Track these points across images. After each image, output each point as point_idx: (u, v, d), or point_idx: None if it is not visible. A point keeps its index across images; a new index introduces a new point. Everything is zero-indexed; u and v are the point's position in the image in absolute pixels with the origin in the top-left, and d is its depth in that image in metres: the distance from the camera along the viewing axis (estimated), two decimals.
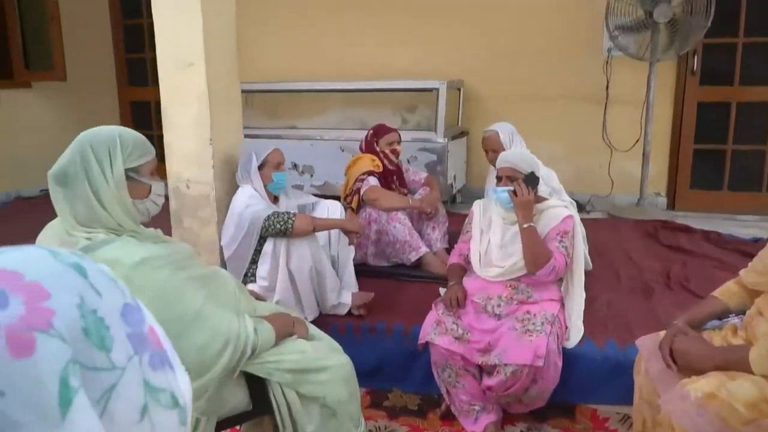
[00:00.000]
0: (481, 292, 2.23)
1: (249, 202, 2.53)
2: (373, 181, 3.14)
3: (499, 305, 2.19)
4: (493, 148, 3.03)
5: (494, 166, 2.62)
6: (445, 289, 2.51)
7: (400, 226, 3.11)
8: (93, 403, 0.41)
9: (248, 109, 4.87)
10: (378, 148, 3.26)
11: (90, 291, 0.43)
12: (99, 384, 0.42)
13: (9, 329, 0.38)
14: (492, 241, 2.29)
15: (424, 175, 3.43)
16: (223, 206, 2.68)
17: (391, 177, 3.27)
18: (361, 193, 3.12)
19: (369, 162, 3.21)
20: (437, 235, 3.27)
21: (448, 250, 3.16)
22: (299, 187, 4.40)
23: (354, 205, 3.16)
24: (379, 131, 3.31)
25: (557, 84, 4.77)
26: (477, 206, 2.44)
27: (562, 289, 2.30)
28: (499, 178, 2.27)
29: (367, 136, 3.31)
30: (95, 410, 0.41)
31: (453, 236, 3.13)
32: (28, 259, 0.42)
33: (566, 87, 4.76)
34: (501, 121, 3.17)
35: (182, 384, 0.51)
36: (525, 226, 2.16)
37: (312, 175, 4.66)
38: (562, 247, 2.18)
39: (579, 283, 2.31)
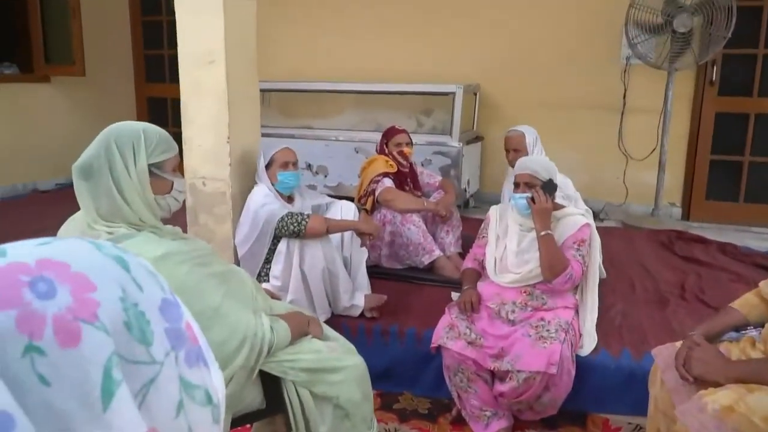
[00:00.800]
0: (495, 298, 2.22)
1: (264, 201, 2.54)
2: (388, 182, 3.14)
3: (513, 311, 2.18)
4: (516, 147, 3.02)
5: (513, 167, 2.61)
6: (458, 294, 2.50)
7: (415, 228, 3.10)
8: (132, 395, 0.41)
9: (265, 107, 4.90)
10: (387, 150, 3.26)
11: (132, 284, 0.43)
12: (139, 377, 0.42)
13: (56, 318, 0.38)
14: (508, 247, 2.28)
15: (438, 178, 3.42)
16: (239, 204, 2.69)
17: (405, 179, 3.27)
18: (377, 194, 3.12)
19: (383, 163, 3.21)
20: (451, 239, 3.26)
21: (462, 255, 3.15)
22: (312, 188, 4.41)
23: (368, 206, 3.16)
24: (388, 132, 3.31)
25: (574, 91, 4.75)
26: (494, 212, 2.44)
27: (576, 296, 2.29)
28: (516, 185, 2.26)
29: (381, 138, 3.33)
30: (134, 403, 0.42)
31: (466, 240, 3.12)
32: (74, 250, 0.43)
33: (583, 94, 4.74)
34: (516, 125, 3.16)
35: (216, 381, 0.51)
36: (542, 233, 2.16)
37: (326, 176, 4.67)
38: (579, 255, 2.18)
39: (593, 290, 2.30)
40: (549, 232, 2.16)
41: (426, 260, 3.11)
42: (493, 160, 4.90)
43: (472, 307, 2.20)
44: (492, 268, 2.29)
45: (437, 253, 3.11)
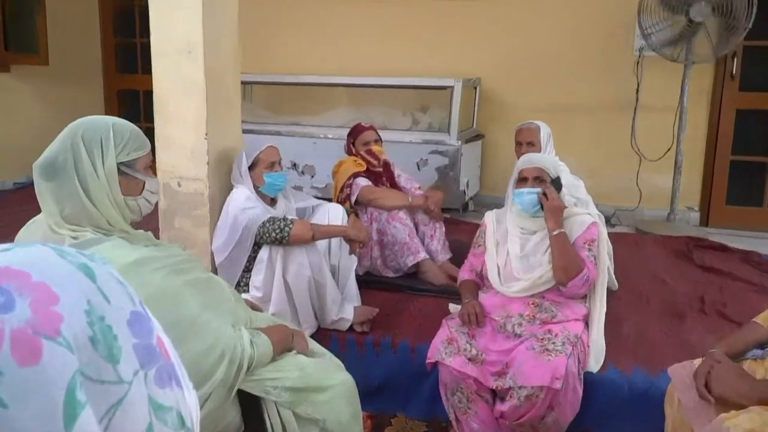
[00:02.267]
0: (500, 310, 2.22)
1: (245, 204, 2.53)
2: (363, 181, 3.15)
3: (520, 324, 2.18)
4: (529, 140, 3.03)
5: None
6: (456, 306, 2.50)
7: (401, 226, 3.11)
8: (97, 419, 0.41)
9: (247, 102, 4.89)
10: (355, 150, 3.28)
11: (98, 295, 0.43)
12: (105, 399, 0.41)
13: (15, 334, 0.37)
14: (511, 252, 2.29)
15: (417, 185, 3.41)
16: (217, 207, 2.68)
17: (379, 178, 3.27)
18: (353, 199, 3.12)
19: (352, 164, 3.23)
20: (437, 244, 3.25)
21: (454, 261, 3.15)
22: (298, 188, 4.41)
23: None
24: (354, 131, 3.33)
25: (583, 85, 4.78)
26: (489, 218, 2.44)
27: (587, 304, 2.30)
28: (523, 180, 2.26)
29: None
30: (99, 428, 0.41)
31: (462, 247, 3.11)
32: (35, 258, 0.42)
33: (593, 89, 4.77)
34: (522, 122, 3.18)
35: (190, 402, 0.50)
36: (555, 232, 2.17)
37: (313, 176, 4.69)
38: (592, 256, 2.20)
39: (601, 298, 2.31)
40: (562, 230, 2.18)
41: (410, 262, 3.10)
42: (495, 160, 4.92)
43: (477, 320, 2.20)
44: (495, 277, 2.30)
45: (422, 255, 3.11)
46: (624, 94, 4.67)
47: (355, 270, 2.85)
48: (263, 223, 2.45)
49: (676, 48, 4.28)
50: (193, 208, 2.73)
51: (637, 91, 4.62)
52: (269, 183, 2.60)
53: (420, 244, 3.15)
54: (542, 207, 2.22)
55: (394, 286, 3.10)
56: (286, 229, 2.43)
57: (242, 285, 2.58)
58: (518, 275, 2.25)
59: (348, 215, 2.82)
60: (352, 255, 2.75)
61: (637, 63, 4.59)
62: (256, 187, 2.62)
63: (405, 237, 3.10)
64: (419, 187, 3.38)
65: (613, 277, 3.03)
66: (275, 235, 2.43)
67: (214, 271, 2.60)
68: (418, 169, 4.41)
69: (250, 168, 2.61)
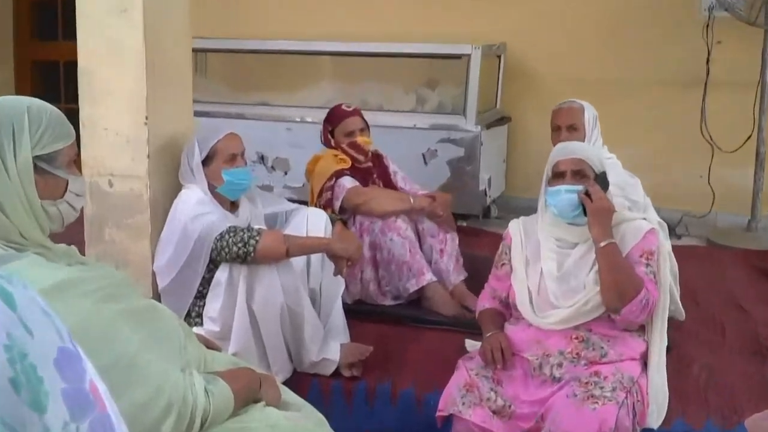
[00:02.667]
0: (533, 347, 2.22)
1: (197, 210, 2.53)
2: (348, 182, 3.16)
3: (560, 365, 2.18)
4: (570, 123, 3.03)
5: None
6: (474, 342, 2.50)
7: (399, 239, 3.10)
8: None
9: (200, 76, 4.88)
10: (334, 141, 3.29)
11: (20, 328, 0.43)
12: None
13: None
14: (545, 272, 2.29)
15: (418, 187, 3.43)
16: (162, 212, 2.68)
17: (369, 176, 3.29)
18: (337, 205, 3.13)
19: (332, 159, 3.23)
20: (448, 262, 3.25)
21: (469, 285, 3.15)
22: (268, 189, 4.41)
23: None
24: (332, 116, 3.34)
25: (637, 54, 4.78)
26: (515, 227, 2.45)
27: (646, 338, 2.30)
28: (558, 174, 2.27)
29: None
30: None
31: (483, 264, 3.09)
32: None
33: (650, 59, 4.77)
34: (561, 101, 3.19)
35: None
36: (603, 243, 2.17)
37: (286, 173, 4.68)
38: (650, 272, 2.20)
39: (662, 328, 2.30)
40: (612, 240, 2.17)
41: (412, 286, 3.10)
42: (525, 151, 4.91)
43: (503, 359, 2.20)
44: (527, 305, 2.29)
45: (428, 277, 3.11)
46: (691, 65, 4.67)
47: (343, 296, 2.84)
48: (221, 234, 2.45)
49: (754, 7, 4.29)
50: (128, 214, 2.73)
51: (708, 62, 4.64)
52: (229, 182, 2.60)
53: (425, 263, 3.15)
54: (584, 210, 2.22)
55: (393, 316, 3.10)
56: (252, 242, 2.43)
57: (194, 316, 2.58)
58: (556, 302, 2.25)
59: (333, 224, 2.81)
60: (338, 276, 2.74)
61: (707, 26, 4.60)
62: (212, 188, 2.62)
63: (405, 253, 3.10)
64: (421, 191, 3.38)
65: (679, 303, 3.02)
66: (237, 250, 2.43)
67: (157, 297, 2.60)
68: (425, 162, 4.40)
69: (204, 162, 2.61)
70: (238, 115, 4.68)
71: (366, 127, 3.31)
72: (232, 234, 2.45)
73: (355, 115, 3.30)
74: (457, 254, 3.30)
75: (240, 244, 2.43)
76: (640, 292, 2.14)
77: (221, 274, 2.49)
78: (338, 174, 3.17)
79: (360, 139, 3.25)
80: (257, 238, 2.43)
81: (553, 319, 2.24)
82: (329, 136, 3.32)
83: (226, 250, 2.44)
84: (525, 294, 2.31)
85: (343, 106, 3.36)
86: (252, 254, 2.42)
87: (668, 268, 2.38)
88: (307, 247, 2.61)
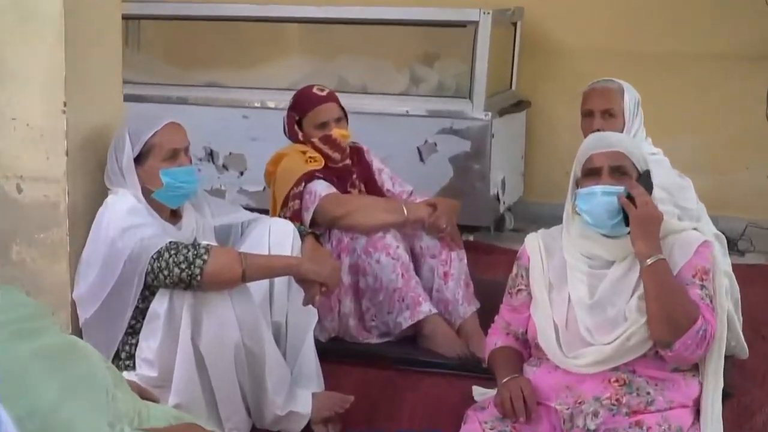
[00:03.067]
0: (563, 394, 2.24)
1: (128, 221, 2.55)
2: (321, 187, 3.18)
3: (596, 414, 2.20)
4: (606, 108, 3.06)
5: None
6: (483, 390, 2.54)
7: (388, 261, 3.12)
8: None
9: (132, 50, 4.87)
10: (303, 135, 3.31)
11: None
12: None
13: None
14: (574, 299, 2.31)
15: (410, 188, 3.46)
16: (83, 224, 2.70)
17: (347, 177, 3.32)
18: (308, 217, 3.14)
19: (299, 158, 3.24)
20: (454, 288, 3.25)
21: (482, 317, 3.17)
22: (219, 194, 4.42)
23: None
24: (300, 101, 3.36)
25: (687, 25, 4.84)
26: (532, 243, 2.47)
27: (701, 378, 2.31)
28: (591, 172, 2.28)
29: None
30: None
31: (499, 290, 3.11)
32: None
33: (704, 30, 4.82)
34: (593, 80, 3.23)
35: None
36: (650, 261, 2.17)
37: (242, 173, 4.70)
38: (706, 296, 2.21)
39: (717, 367, 2.30)
40: (661, 257, 2.17)
41: (405, 321, 3.12)
42: (548, 144, 4.98)
43: (525, 410, 2.20)
44: (553, 342, 2.30)
45: (426, 308, 3.13)
46: (754, 39, 4.73)
47: (315, 333, 2.86)
48: (159, 251, 2.47)
49: None
50: (42, 228, 2.74)
51: None
52: (169, 184, 2.62)
53: (422, 290, 3.16)
54: (626, 219, 2.23)
55: (379, 358, 3.12)
56: (198, 261, 2.44)
57: (124, 357, 2.60)
58: (590, 337, 2.26)
59: (302, 238, 2.82)
60: (310, 307, 2.75)
61: None
62: (147, 192, 2.64)
63: (396, 278, 3.11)
64: (411, 192, 3.42)
65: (741, 336, 3.03)
66: (179, 273, 2.44)
67: (78, 332, 2.60)
68: (421, 159, 4.44)
69: (138, 160, 2.63)
70: (180, 99, 4.68)
71: (344, 117, 3.32)
72: (173, 252, 2.46)
73: (329, 101, 3.32)
74: (467, 278, 3.30)
75: (183, 265, 2.44)
76: (696, 321, 2.14)
77: (159, 303, 2.50)
78: (308, 177, 3.18)
79: (336, 132, 3.26)
80: (205, 257, 2.45)
81: (586, 360, 2.25)
82: (296, 128, 3.34)
83: (166, 272, 2.45)
84: (549, 328, 2.32)
85: (315, 89, 3.37)
86: (198, 278, 2.43)
87: (725, 291, 2.39)
88: (269, 268, 2.63)
